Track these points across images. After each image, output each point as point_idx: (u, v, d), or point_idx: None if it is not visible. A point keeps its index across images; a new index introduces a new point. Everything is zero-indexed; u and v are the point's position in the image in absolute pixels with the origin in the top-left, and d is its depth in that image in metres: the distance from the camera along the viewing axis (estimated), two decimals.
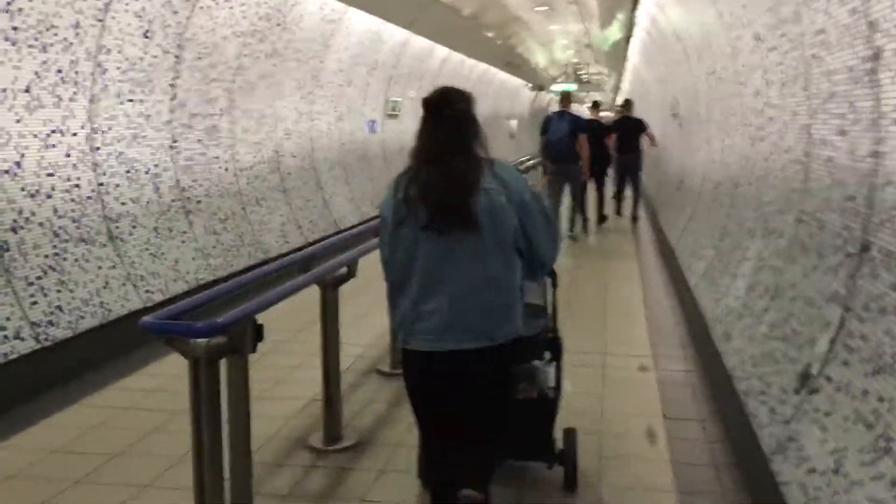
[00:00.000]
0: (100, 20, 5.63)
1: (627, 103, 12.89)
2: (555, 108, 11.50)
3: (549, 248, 2.55)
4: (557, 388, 3.21)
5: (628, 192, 12.57)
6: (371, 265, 3.16)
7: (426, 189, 2.38)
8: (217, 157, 7.60)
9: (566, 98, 10.32)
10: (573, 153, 9.60)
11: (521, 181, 2.50)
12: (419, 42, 13.69)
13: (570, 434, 3.34)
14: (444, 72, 16.58)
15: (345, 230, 9.75)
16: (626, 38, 16.49)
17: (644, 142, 12.14)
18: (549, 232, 2.54)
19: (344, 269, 3.96)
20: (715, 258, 6.23)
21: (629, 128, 12.11)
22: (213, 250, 7.15)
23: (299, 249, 7.10)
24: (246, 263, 7.58)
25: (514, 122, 27.71)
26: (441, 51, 15.37)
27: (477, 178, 2.37)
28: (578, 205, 10.25)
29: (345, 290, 4.01)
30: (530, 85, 27.79)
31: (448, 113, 2.46)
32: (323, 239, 9.05)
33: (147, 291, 6.04)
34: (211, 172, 7.48)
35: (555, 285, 3.26)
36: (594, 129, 10.92)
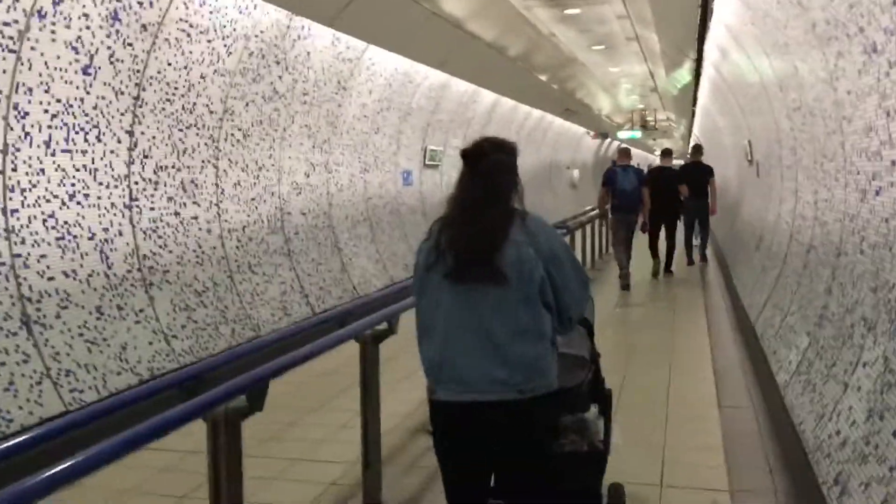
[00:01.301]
0: (12, 51, 4.49)
1: (697, 149, 12.70)
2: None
3: (580, 300, 2.55)
4: (607, 441, 3.04)
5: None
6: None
7: (455, 238, 2.42)
8: (195, 217, 6.40)
9: (626, 153, 10.74)
10: (637, 203, 10.23)
11: (551, 233, 2.51)
12: (460, 86, 12.47)
13: (616, 490, 3.31)
14: (494, 118, 15.33)
15: (366, 296, 8.46)
16: (695, 80, 15.01)
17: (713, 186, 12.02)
18: (580, 285, 2.53)
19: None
20: (812, 350, 4.64)
21: (699, 174, 11.95)
22: (180, 331, 5.89)
23: (306, 319, 5.83)
24: (227, 344, 6.30)
25: (575, 172, 26.25)
26: (487, 95, 14.13)
27: (506, 230, 2.39)
28: (627, 255, 10.34)
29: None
30: (591, 133, 26.34)
31: (484, 163, 2.51)
32: (335, 307, 7.75)
33: (74, 390, 4.78)
34: (187, 235, 6.27)
35: (591, 335, 3.09)
36: (666, 177, 11.31)
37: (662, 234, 11.28)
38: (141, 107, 5.68)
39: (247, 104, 6.95)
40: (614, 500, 3.28)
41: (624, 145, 14.64)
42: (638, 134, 28.02)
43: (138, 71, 5.57)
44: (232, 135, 6.86)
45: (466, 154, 2.56)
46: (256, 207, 7.33)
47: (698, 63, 12.44)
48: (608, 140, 31.82)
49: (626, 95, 23.28)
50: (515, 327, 2.37)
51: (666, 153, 12.20)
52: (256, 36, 6.71)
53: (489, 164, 2.50)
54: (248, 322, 6.73)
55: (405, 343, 3.34)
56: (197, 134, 6.36)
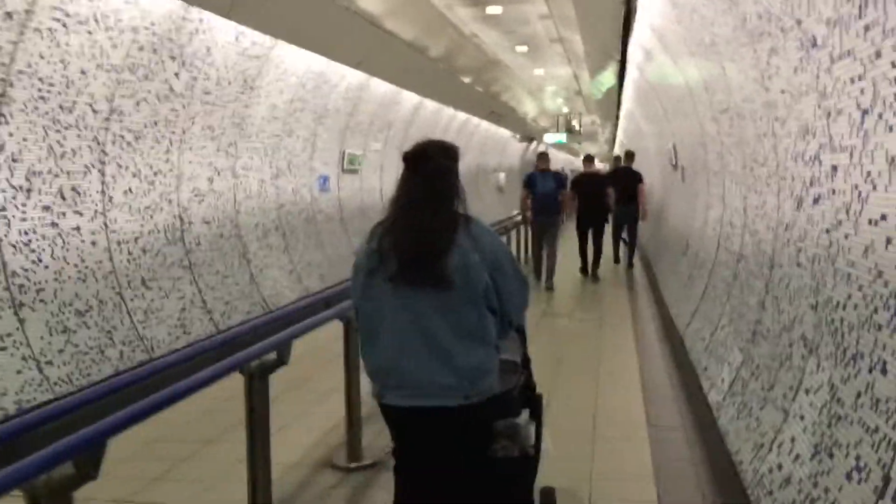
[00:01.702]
0: None
1: (629, 155, 12.96)
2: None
3: (520, 305, 2.57)
4: (538, 445, 2.99)
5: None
6: None
7: (398, 242, 2.39)
8: (77, 229, 5.75)
9: (544, 157, 11.01)
10: (556, 207, 10.60)
11: (494, 239, 2.50)
12: (381, 87, 11.98)
13: (548, 493, 3.31)
14: (417, 121, 14.88)
15: (277, 310, 7.89)
16: (619, 83, 14.89)
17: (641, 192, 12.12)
18: (521, 289, 2.55)
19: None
20: (746, 369, 4.33)
21: (628, 179, 12.11)
22: (56, 356, 5.25)
23: (208, 339, 5.17)
24: (113, 369, 5.68)
25: (502, 176, 26.03)
26: (410, 97, 13.67)
27: (450, 234, 2.38)
28: (551, 258, 10.67)
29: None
30: (518, 136, 26.18)
31: (427, 167, 2.47)
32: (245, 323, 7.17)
33: None
34: (66, 248, 5.62)
35: (524, 342, 3.05)
36: (592, 182, 11.55)
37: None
38: (8, 105, 5.03)
39: (138, 103, 6.33)
40: (546, 503, 3.27)
41: (542, 150, 14.53)
42: (563, 138, 28.02)
43: (3, 64, 4.92)
44: (121, 137, 6.22)
45: (408, 157, 2.52)
46: (152, 216, 6.71)
47: (622, 65, 12.27)
48: (534, 143, 31.80)
49: (552, 98, 23.17)
50: (461, 332, 2.37)
51: (588, 159, 12.34)
52: (147, 28, 6.10)
53: (432, 167, 2.47)
54: (139, 344, 6.10)
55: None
56: (78, 136, 5.72)
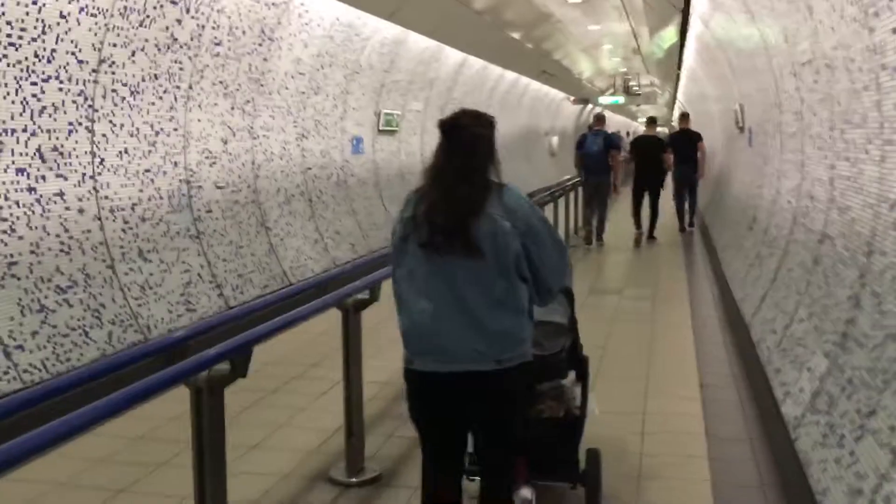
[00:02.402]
0: None
1: (684, 116, 12.86)
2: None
3: (559, 272, 2.55)
4: (583, 407, 3.02)
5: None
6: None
7: (430, 209, 2.41)
8: (60, 194, 5.12)
9: (600, 119, 11.41)
10: (605, 167, 10.79)
11: (528, 206, 2.49)
12: (420, 42, 11.14)
13: (593, 455, 3.20)
14: (460, 80, 14.01)
15: (301, 282, 7.23)
16: (681, 40, 13.75)
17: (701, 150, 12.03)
18: (559, 256, 2.53)
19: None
20: (833, 382, 3.47)
21: (687, 140, 12.04)
22: (27, 341, 4.64)
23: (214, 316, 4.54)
24: (95, 354, 5.07)
25: (555, 139, 24.97)
26: (453, 54, 12.80)
27: (482, 202, 2.40)
28: (601, 217, 11.13)
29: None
30: (572, 98, 25.03)
31: (461, 136, 2.48)
32: (263, 296, 6.52)
33: None
34: (46, 217, 4.99)
35: (571, 305, 3.03)
36: (650, 145, 11.69)
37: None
38: None
39: (133, 53, 5.64)
40: (591, 464, 3.19)
41: (598, 111, 15.58)
42: (621, 100, 26.73)
43: None
44: (114, 91, 5.55)
45: (444, 125, 2.52)
46: (153, 181, 6.05)
47: (685, 19, 11.17)
48: (589, 106, 30.52)
49: (608, 58, 21.95)
50: (491, 299, 2.38)
51: (651, 122, 12.48)
52: None
53: (467, 136, 2.48)
54: (132, 323, 5.48)
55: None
56: (60, 89, 5.06)
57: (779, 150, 6.63)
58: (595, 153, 10.73)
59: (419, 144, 12.55)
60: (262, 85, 7.53)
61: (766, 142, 7.54)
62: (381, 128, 10.83)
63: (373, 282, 3.75)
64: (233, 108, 7.13)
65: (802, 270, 4.81)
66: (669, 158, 11.54)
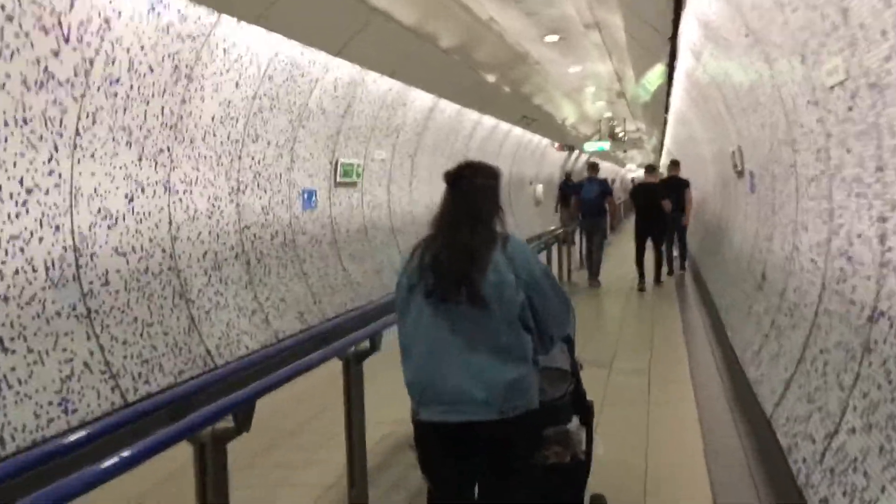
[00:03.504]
0: None
1: (674, 164, 13.15)
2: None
3: (561, 322, 2.58)
4: (589, 451, 3.04)
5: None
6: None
7: (436, 259, 2.45)
8: None
9: (594, 167, 12.39)
10: (601, 210, 11.80)
11: (531, 257, 2.53)
12: (382, 83, 10.08)
13: (598, 500, 3.31)
14: (433, 126, 12.94)
15: (231, 363, 5.99)
16: (668, 80, 12.77)
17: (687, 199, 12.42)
18: (561, 306, 2.57)
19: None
20: None
21: (676, 187, 12.31)
22: None
23: (109, 414, 3.34)
24: None
25: (539, 188, 23.96)
26: (421, 97, 11.74)
27: (487, 252, 2.43)
28: (598, 254, 11.89)
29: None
30: (557, 144, 24.09)
31: (465, 187, 2.53)
32: (176, 386, 5.28)
33: None
34: None
35: (571, 350, 3.06)
36: (649, 191, 11.94)
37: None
38: None
39: None
40: None
41: (593, 160, 15.25)
42: (606, 145, 25.82)
43: None
44: None
45: (449, 177, 2.56)
46: (22, 250, 4.85)
47: (672, 53, 10.17)
48: (575, 153, 29.63)
49: (592, 102, 21.04)
50: (495, 349, 2.39)
51: (650, 169, 12.77)
52: None
53: (471, 186, 2.53)
54: None
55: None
56: None
57: (793, 197, 5.51)
58: (592, 198, 11.71)
59: (385, 196, 11.43)
60: (180, 131, 6.39)
61: (773, 187, 6.42)
62: (338, 179, 9.69)
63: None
64: (141, 159, 5.97)
65: (845, 356, 3.62)
66: (668, 205, 11.66)
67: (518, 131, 19.32)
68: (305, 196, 8.89)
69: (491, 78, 13.15)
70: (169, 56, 5.97)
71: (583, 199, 11.91)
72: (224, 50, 6.58)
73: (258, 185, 7.81)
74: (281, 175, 8.27)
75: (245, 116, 7.32)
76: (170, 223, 6.36)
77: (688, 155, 16.78)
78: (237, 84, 7.00)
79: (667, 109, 16.91)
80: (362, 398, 3.77)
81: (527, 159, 22.33)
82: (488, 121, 16.19)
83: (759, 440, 4.62)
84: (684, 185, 12.39)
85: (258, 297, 7.52)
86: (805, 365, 4.33)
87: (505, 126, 17.80)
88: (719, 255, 10.38)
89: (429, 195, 13.36)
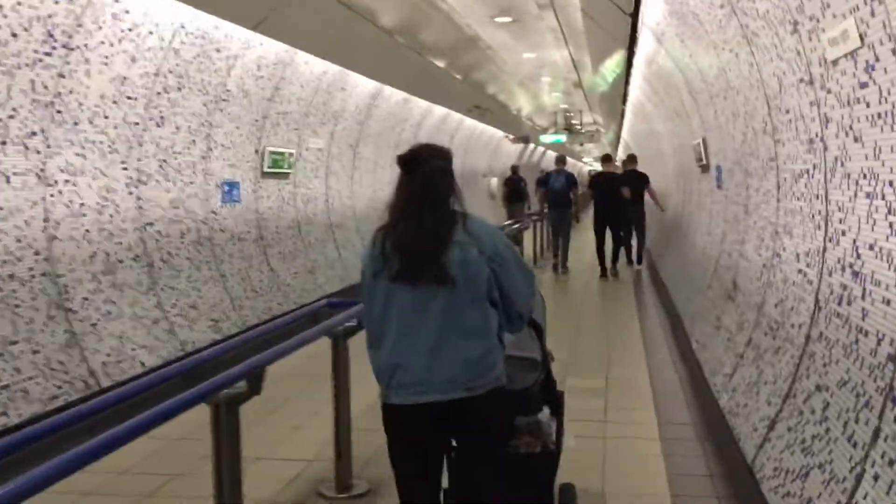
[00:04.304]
0: None
1: (631, 158, 13.09)
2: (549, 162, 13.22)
3: (526, 296, 2.60)
4: (559, 442, 2.99)
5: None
6: None
7: (399, 242, 2.48)
8: None
9: (562, 160, 12.92)
10: (567, 201, 12.24)
11: (493, 233, 2.58)
12: (315, 65, 9.13)
13: (568, 489, 3.30)
14: (377, 114, 12.01)
15: (122, 383, 5.03)
16: (627, 71, 12.03)
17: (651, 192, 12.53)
18: (525, 281, 2.60)
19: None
20: None
21: (635, 181, 12.30)
22: None
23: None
24: None
25: (494, 181, 23.13)
26: (363, 82, 10.81)
27: (448, 232, 2.47)
28: (565, 243, 12.37)
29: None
30: (512, 136, 23.31)
31: (421, 169, 2.54)
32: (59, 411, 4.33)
33: None
34: None
35: (541, 337, 3.03)
36: (609, 181, 12.12)
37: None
38: None
39: None
40: (566, 499, 3.25)
41: (559, 153, 15.23)
42: (563, 137, 25.12)
43: None
44: None
45: (404, 160, 2.57)
46: None
47: (632, 35, 9.39)
48: (531, 146, 28.91)
49: (548, 93, 20.29)
50: (461, 328, 2.43)
51: (606, 158, 12.97)
52: None
53: (427, 168, 2.54)
54: None
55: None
56: None
57: (773, 196, 4.74)
58: (559, 189, 12.14)
59: (323, 188, 10.48)
60: (59, 111, 5.39)
61: (746, 183, 5.66)
62: (265, 169, 8.73)
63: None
64: (4, 143, 4.97)
65: (856, 402, 2.83)
66: (627, 192, 11.86)
67: (470, 122, 18.48)
68: (226, 188, 7.92)
69: (440, 63, 12.26)
70: (39, 20, 4.97)
71: (550, 190, 12.32)
72: (113, 15, 5.59)
73: (165, 176, 6.83)
74: (195, 164, 7.29)
75: (146, 96, 6.33)
76: (45, 220, 5.37)
77: (646, 149, 16.14)
78: (133, 58, 6.01)
79: (624, 101, 16.23)
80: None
81: (480, 151, 21.51)
82: (438, 110, 15.31)
83: (740, 489, 3.83)
84: (643, 178, 12.43)
85: (162, 303, 6.55)
86: (795, 402, 3.54)
87: (456, 116, 16.94)
88: (680, 255, 9.66)
89: (372, 188, 12.44)
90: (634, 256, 12.82)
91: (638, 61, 10.55)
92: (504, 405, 2.57)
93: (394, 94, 12.31)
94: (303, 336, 3.75)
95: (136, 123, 6.30)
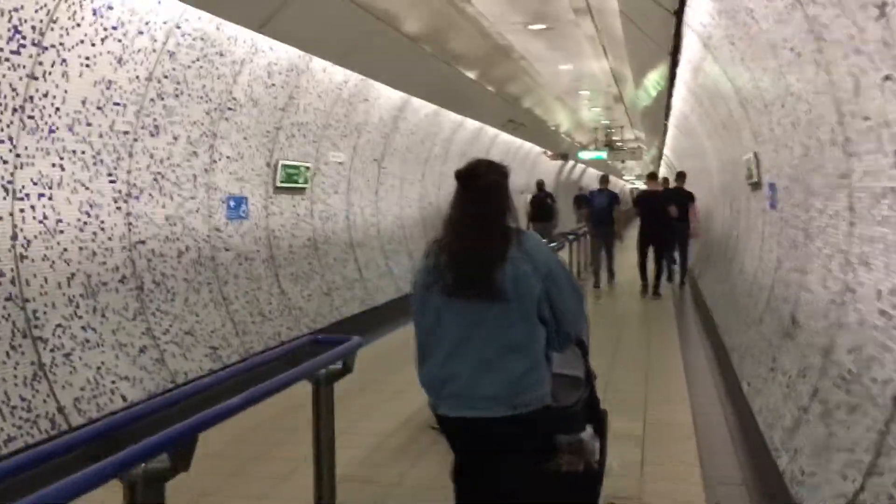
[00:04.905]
0: None
1: (680, 175, 13.09)
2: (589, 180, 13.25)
3: (576, 316, 2.58)
4: (602, 460, 2.97)
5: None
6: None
7: (453, 257, 2.49)
8: None
9: (605, 179, 13.03)
10: (611, 219, 12.27)
11: (547, 251, 2.56)
12: (334, 74, 8.56)
13: None
14: (404, 127, 11.41)
15: (94, 421, 4.43)
16: (670, 84, 11.28)
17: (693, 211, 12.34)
18: (576, 301, 2.58)
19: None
20: None
21: (681, 199, 12.12)
22: None
23: None
24: None
25: (529, 197, 22.40)
26: (388, 93, 10.22)
27: (503, 248, 2.45)
28: (609, 261, 12.59)
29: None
30: (550, 153, 22.58)
31: (477, 185, 2.55)
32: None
33: None
34: None
35: (585, 355, 3.04)
36: (654, 200, 11.95)
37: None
38: None
39: None
40: None
41: (603, 173, 15.17)
42: (603, 154, 24.31)
43: None
44: None
45: (461, 175, 2.59)
46: None
47: (676, 43, 8.65)
48: (570, 163, 28.14)
49: (587, 108, 19.55)
50: (509, 344, 2.41)
51: (651, 176, 12.95)
52: None
53: (484, 184, 2.55)
54: None
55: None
56: None
57: (843, 219, 3.98)
58: (603, 208, 12.35)
59: (343, 205, 9.88)
60: (30, 116, 4.85)
61: (808, 204, 4.89)
62: (278, 184, 8.15)
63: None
64: None
65: None
66: (674, 211, 11.63)
67: (506, 137, 17.82)
68: (231, 204, 7.35)
69: (471, 74, 11.63)
70: (2, 14, 4.43)
71: (594, 209, 12.68)
72: (94, 11, 5.05)
73: (161, 190, 6.27)
74: (196, 177, 6.73)
75: (137, 103, 5.78)
76: (13, 237, 4.81)
77: (690, 166, 15.32)
78: (120, 59, 5.47)
79: (667, 115, 15.45)
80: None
81: (517, 167, 20.80)
82: (471, 124, 14.67)
83: None
84: (688, 197, 12.24)
85: (153, 330, 5.97)
86: (882, 483, 2.79)
87: (491, 131, 16.29)
88: (727, 281, 8.84)
89: (399, 205, 11.83)
90: (677, 278, 12.72)
91: (682, 70, 9.79)
92: (548, 425, 2.59)
93: (423, 107, 11.71)
94: (271, 383, 3.08)
95: (126, 132, 5.75)
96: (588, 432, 2.90)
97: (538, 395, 2.43)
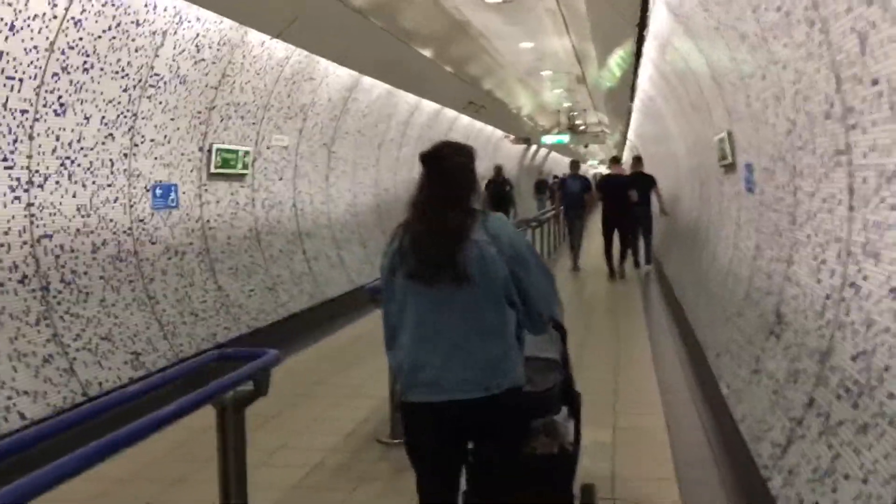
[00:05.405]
0: None
1: (638, 160, 13.09)
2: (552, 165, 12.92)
3: (548, 297, 2.55)
4: (577, 442, 2.97)
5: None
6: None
7: (417, 239, 2.46)
8: None
9: (577, 164, 13.64)
10: (583, 203, 13.17)
11: (513, 232, 2.52)
12: (273, 49, 7.84)
13: (588, 490, 3.25)
14: (355, 109, 10.71)
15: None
16: (636, 60, 10.73)
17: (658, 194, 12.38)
18: (546, 281, 2.55)
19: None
20: None
21: (642, 183, 12.21)
22: None
23: None
24: None
25: (484, 183, 21.81)
26: (335, 71, 9.52)
27: (467, 230, 2.42)
28: (577, 243, 13.08)
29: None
30: (512, 137, 22.02)
31: (442, 166, 2.51)
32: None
33: None
34: None
35: (563, 339, 3.03)
36: (617, 184, 11.96)
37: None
38: None
39: None
40: (587, 499, 3.19)
41: (574, 159, 15.65)
42: (566, 138, 23.83)
43: None
44: None
45: (425, 157, 2.55)
46: None
47: (643, 18, 8.09)
48: (534, 147, 27.61)
49: (550, 89, 18.99)
50: (480, 327, 2.39)
51: (615, 160, 12.90)
52: None
53: (449, 165, 2.51)
54: None
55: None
56: None
57: (842, 203, 3.44)
58: (575, 192, 12.95)
59: (290, 192, 9.20)
60: None
61: (794, 185, 4.35)
62: (213, 170, 7.45)
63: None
64: None
65: None
66: (634, 196, 11.69)
67: (467, 120, 17.19)
68: (158, 192, 6.63)
69: (426, 52, 10.97)
70: None
71: (566, 193, 13.23)
72: None
73: (70, 177, 5.55)
74: (113, 163, 6.01)
75: (36, 77, 5.06)
76: None
77: (655, 151, 14.88)
78: (12, 27, 4.74)
79: (632, 97, 14.96)
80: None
81: (479, 152, 20.19)
82: (429, 106, 14.01)
83: None
84: (651, 180, 12.32)
85: (60, 336, 5.26)
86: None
87: (451, 113, 15.64)
88: (699, 271, 8.33)
89: (352, 192, 11.17)
90: (642, 258, 12.74)
91: (648, 47, 9.26)
92: (522, 406, 2.53)
93: (375, 86, 11.02)
94: (162, 414, 2.49)
95: (24, 111, 5.02)
96: (562, 414, 2.89)
97: (511, 376, 2.42)
